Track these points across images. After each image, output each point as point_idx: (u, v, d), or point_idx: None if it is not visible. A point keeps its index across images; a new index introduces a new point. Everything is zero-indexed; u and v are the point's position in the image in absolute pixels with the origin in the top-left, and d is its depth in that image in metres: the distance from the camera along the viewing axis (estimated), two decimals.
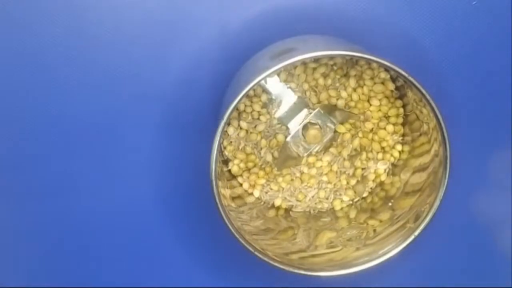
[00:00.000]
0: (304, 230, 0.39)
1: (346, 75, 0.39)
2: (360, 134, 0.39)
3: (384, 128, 0.39)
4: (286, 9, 0.40)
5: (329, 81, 0.39)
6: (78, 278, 0.43)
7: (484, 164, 0.42)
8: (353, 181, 0.40)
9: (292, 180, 0.40)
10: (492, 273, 0.44)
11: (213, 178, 0.33)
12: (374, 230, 0.38)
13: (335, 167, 0.40)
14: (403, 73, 0.32)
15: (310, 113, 0.38)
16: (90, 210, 0.42)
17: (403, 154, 0.40)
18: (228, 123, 0.39)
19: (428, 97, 0.32)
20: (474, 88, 0.41)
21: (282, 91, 0.38)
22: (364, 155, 0.39)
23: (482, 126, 0.42)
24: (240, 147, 0.40)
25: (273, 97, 0.38)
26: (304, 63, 0.39)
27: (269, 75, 0.31)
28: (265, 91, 0.38)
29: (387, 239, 0.36)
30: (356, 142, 0.39)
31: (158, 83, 0.40)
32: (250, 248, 0.34)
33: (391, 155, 0.40)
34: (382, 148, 0.40)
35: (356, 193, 0.40)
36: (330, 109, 0.39)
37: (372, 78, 0.39)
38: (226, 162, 0.40)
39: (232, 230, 0.34)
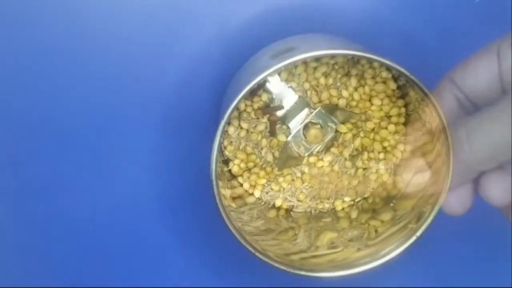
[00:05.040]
0: (305, 231, 0.39)
1: (348, 74, 0.39)
2: (361, 134, 0.39)
3: (386, 128, 0.39)
4: (286, 7, 0.40)
5: (330, 81, 0.39)
6: (78, 278, 0.43)
7: None
8: (354, 181, 0.40)
9: (293, 180, 0.40)
10: (492, 273, 0.44)
11: (214, 178, 0.33)
12: (376, 231, 0.38)
13: (336, 167, 0.40)
14: (405, 72, 0.32)
15: (311, 113, 0.38)
16: (90, 210, 0.42)
17: (405, 154, 0.39)
18: (229, 123, 0.39)
19: (430, 96, 0.32)
20: None
21: (283, 91, 0.38)
22: (365, 155, 0.39)
23: None
24: (241, 147, 0.39)
25: (274, 97, 0.38)
26: (305, 62, 0.38)
27: (269, 74, 0.31)
28: (265, 90, 0.38)
29: (389, 240, 0.36)
30: (358, 142, 0.39)
31: (158, 83, 0.40)
32: (251, 249, 0.34)
33: (393, 155, 0.40)
34: (384, 148, 0.40)
35: (357, 194, 0.40)
36: (331, 109, 0.39)
37: (373, 77, 0.38)
38: (226, 162, 0.40)
39: (233, 231, 0.34)
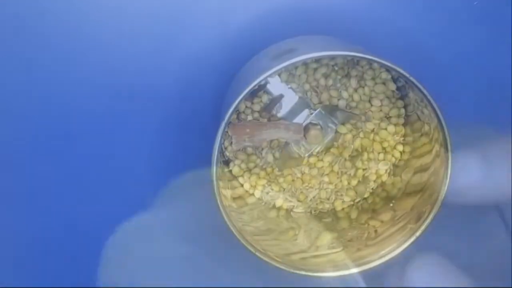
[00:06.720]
0: (305, 231, 0.39)
1: (347, 76, 0.39)
2: (361, 135, 0.39)
3: (385, 129, 0.39)
4: (287, 9, 0.40)
5: (330, 82, 0.39)
6: (78, 278, 0.43)
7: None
8: (354, 182, 0.40)
9: (293, 180, 0.40)
10: (492, 273, 0.44)
11: (214, 179, 0.33)
12: (375, 231, 0.38)
13: (336, 168, 0.40)
14: (404, 73, 0.32)
15: (311, 114, 0.38)
16: (89, 210, 0.42)
17: (404, 154, 0.40)
18: (229, 124, 0.39)
19: (429, 97, 0.32)
20: (476, 88, 0.41)
21: (283, 92, 0.38)
22: (365, 156, 0.39)
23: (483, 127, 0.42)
24: (241, 148, 0.40)
25: (274, 98, 0.38)
26: (305, 63, 0.39)
27: (270, 76, 0.31)
28: (266, 91, 0.38)
29: (388, 240, 0.36)
30: (357, 142, 0.39)
31: (159, 84, 0.40)
32: (251, 249, 0.34)
33: (392, 155, 0.40)
34: (383, 148, 0.40)
35: (357, 194, 0.40)
36: (331, 110, 0.39)
37: (373, 79, 0.39)
38: (227, 162, 0.40)
39: (233, 231, 0.34)
